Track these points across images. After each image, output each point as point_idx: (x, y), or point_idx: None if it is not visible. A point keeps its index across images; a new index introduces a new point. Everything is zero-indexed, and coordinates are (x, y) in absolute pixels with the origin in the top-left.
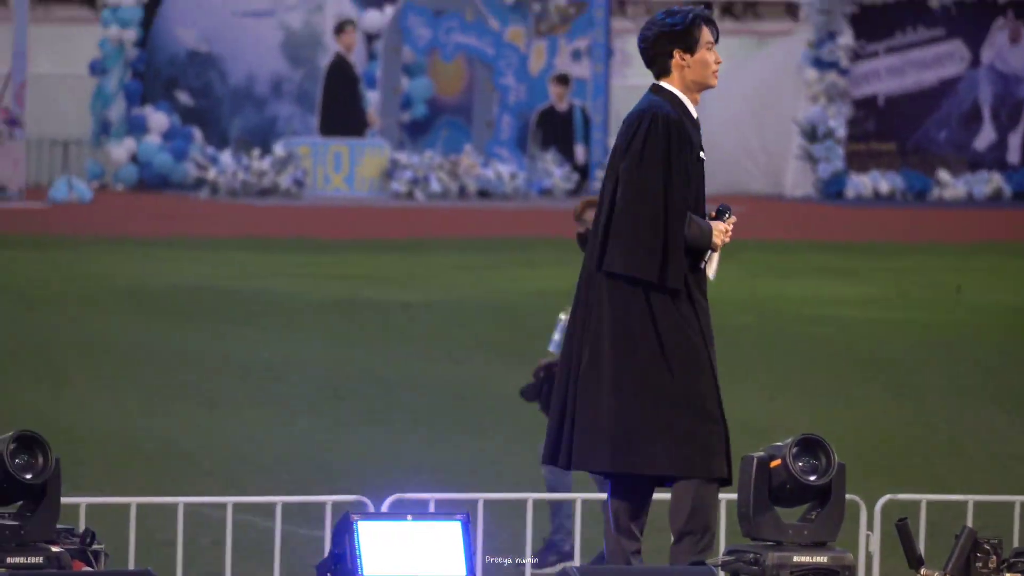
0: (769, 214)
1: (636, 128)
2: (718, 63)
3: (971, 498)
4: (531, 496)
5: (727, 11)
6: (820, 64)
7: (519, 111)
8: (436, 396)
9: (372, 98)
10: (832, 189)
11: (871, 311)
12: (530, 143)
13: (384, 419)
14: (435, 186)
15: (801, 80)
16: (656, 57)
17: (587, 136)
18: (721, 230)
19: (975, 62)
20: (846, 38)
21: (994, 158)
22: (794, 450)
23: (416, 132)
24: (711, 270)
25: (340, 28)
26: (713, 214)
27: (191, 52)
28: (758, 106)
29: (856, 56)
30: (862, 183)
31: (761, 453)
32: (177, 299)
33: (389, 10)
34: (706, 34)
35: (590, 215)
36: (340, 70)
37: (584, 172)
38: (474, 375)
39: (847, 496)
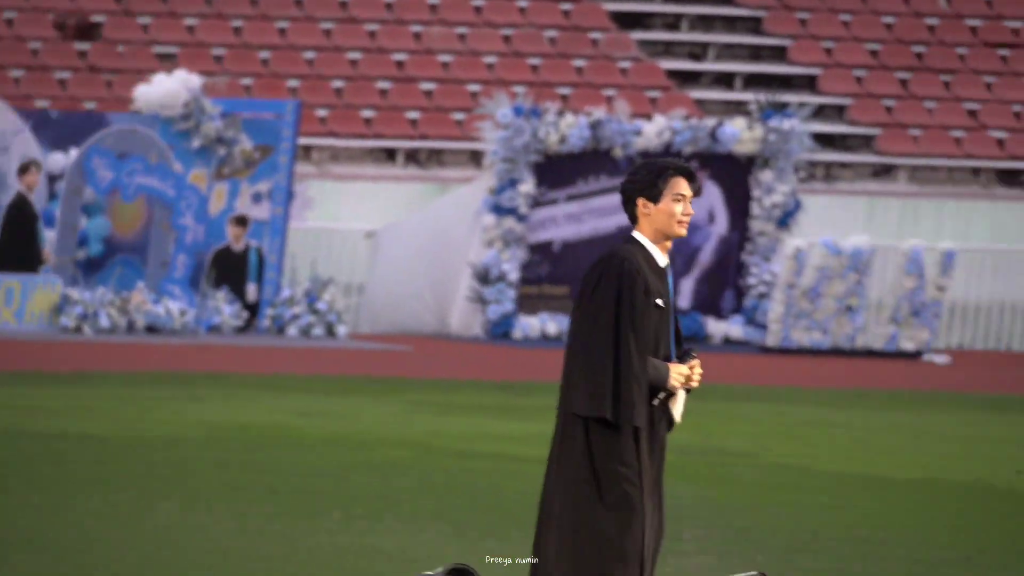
0: (435, 352)
1: (592, 273)
2: (687, 215)
3: None
4: None
5: (411, 158)
6: (499, 210)
7: (196, 251)
8: (85, 531)
9: (49, 236)
10: (499, 330)
11: (531, 448)
12: (203, 282)
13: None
14: (104, 321)
15: (478, 225)
16: (626, 205)
17: (260, 275)
18: (682, 372)
19: None
20: (527, 186)
21: None
22: None
23: (90, 270)
24: (677, 412)
25: (24, 169)
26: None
27: None
28: (433, 250)
29: (536, 203)
30: (530, 325)
31: None
32: None
33: (74, 152)
34: (674, 185)
35: None
36: (20, 208)
37: (254, 310)
38: (130, 511)
39: None
